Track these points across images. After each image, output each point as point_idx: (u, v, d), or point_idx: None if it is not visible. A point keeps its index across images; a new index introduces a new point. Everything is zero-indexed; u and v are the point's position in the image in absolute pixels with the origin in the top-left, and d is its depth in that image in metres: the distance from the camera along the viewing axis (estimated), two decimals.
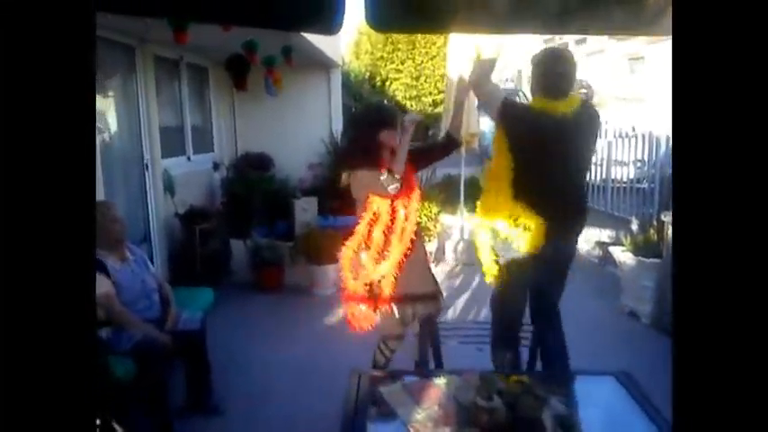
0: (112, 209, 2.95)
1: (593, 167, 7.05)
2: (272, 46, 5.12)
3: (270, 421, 3.07)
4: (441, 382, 1.97)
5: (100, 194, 3.73)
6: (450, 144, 2.86)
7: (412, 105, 14.82)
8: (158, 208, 5.02)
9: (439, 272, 5.51)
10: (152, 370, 2.74)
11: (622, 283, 4.70)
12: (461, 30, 3.72)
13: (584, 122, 2.62)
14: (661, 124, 6.14)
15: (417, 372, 2.58)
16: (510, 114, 2.59)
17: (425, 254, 2.98)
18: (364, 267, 2.66)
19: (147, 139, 4.85)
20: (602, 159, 6.96)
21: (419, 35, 14.13)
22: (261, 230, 5.65)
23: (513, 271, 2.70)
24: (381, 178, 2.47)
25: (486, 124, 8.46)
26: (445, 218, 6.32)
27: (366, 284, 2.68)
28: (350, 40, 16.33)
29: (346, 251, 2.68)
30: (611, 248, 5.08)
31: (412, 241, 2.68)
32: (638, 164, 6.52)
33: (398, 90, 15.14)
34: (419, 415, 1.74)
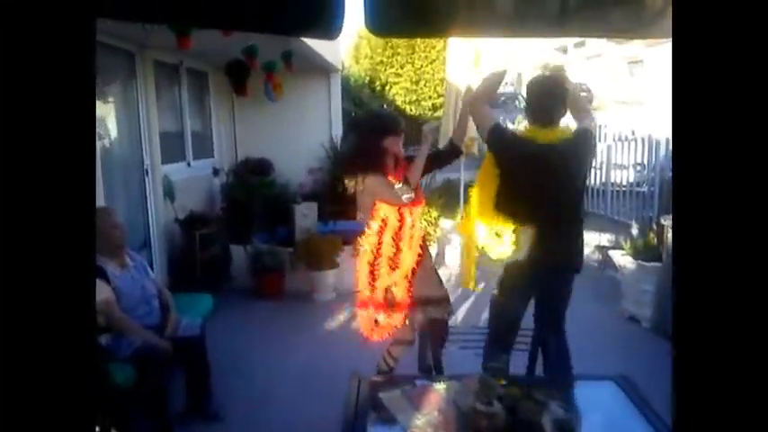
0: (112, 215, 2.95)
1: (593, 171, 7.06)
2: (271, 51, 5.13)
3: (270, 427, 3.06)
4: (440, 387, 1.97)
5: (100, 200, 3.73)
6: (454, 152, 2.91)
7: (411, 109, 14.81)
8: (158, 214, 5.02)
9: None
10: (152, 376, 2.73)
11: (622, 288, 4.70)
12: (461, 34, 3.73)
13: (573, 152, 2.60)
14: (660, 127, 6.15)
15: (420, 377, 2.58)
16: (497, 138, 2.63)
17: (432, 258, 3.00)
18: (378, 275, 2.66)
19: (147, 145, 4.86)
20: (601, 163, 6.97)
21: (418, 39, 14.14)
22: (261, 236, 5.65)
23: (508, 281, 2.72)
24: (396, 187, 2.49)
25: None
26: (445, 222, 6.32)
27: (382, 291, 2.69)
28: (349, 45, 16.34)
29: (362, 259, 2.68)
30: (611, 252, 5.07)
31: (421, 247, 2.71)
32: (638, 167, 6.52)
33: (398, 94, 15.13)
34: (419, 420, 1.73)
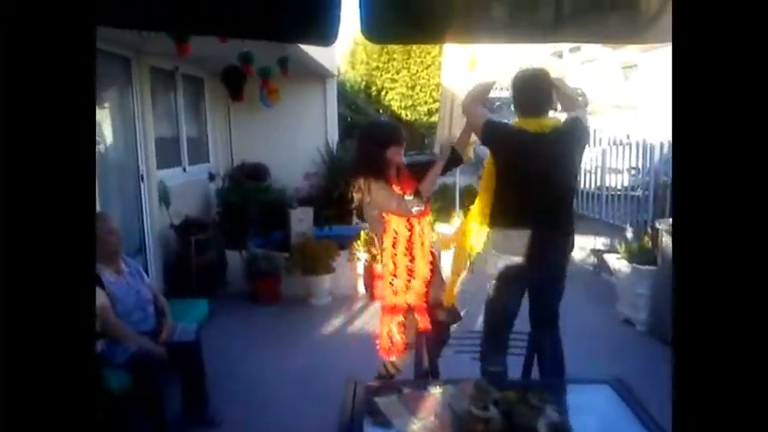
0: (108, 220, 2.95)
1: (587, 175, 7.09)
2: (267, 57, 5.14)
3: None
4: (436, 391, 1.97)
5: (95, 206, 3.73)
6: (455, 159, 2.96)
7: (407, 114, 14.85)
8: (153, 219, 5.01)
9: None
10: (147, 382, 2.73)
11: (617, 291, 4.71)
12: (456, 40, 3.74)
13: (565, 139, 2.66)
14: (655, 132, 6.18)
15: (416, 381, 2.59)
16: (491, 131, 2.69)
17: (440, 264, 3.03)
18: (399, 287, 2.69)
19: (142, 150, 4.86)
20: (596, 167, 6.99)
21: (414, 45, 14.19)
22: (257, 241, 5.64)
23: (503, 278, 2.75)
24: (407, 199, 2.54)
25: None
26: (441, 227, 6.33)
27: (404, 304, 2.72)
28: (345, 51, 16.39)
29: (385, 269, 2.70)
30: (606, 256, 5.09)
31: (431, 254, 2.74)
32: (633, 171, 6.54)
33: (394, 99, 15.17)
34: (415, 425, 1.73)
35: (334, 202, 6.53)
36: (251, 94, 6.03)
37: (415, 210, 2.57)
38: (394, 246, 2.65)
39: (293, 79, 6.15)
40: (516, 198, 2.68)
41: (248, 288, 5.30)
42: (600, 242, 6.07)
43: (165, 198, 5.06)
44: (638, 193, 6.16)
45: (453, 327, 2.86)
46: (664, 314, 4.08)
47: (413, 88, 15.23)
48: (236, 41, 4.24)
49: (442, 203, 6.48)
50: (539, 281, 2.76)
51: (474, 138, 3.00)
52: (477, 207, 2.85)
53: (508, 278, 2.72)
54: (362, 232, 5.44)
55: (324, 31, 1.59)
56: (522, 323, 2.80)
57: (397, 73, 15.35)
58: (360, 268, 5.43)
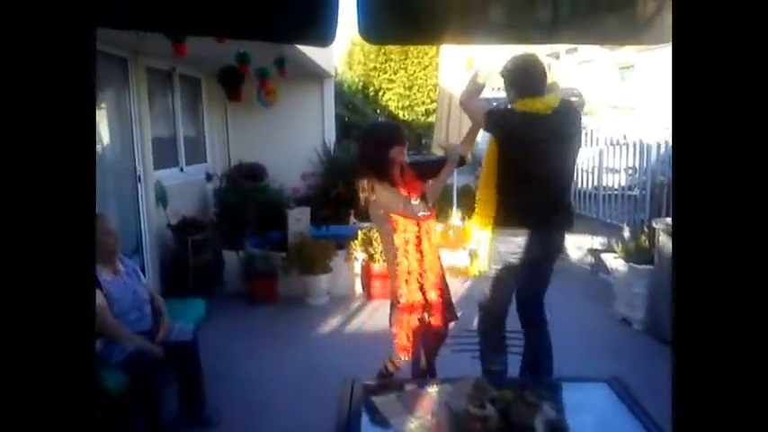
0: (106, 221, 2.95)
1: (585, 175, 7.12)
2: (265, 57, 5.14)
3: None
4: (434, 390, 1.98)
5: None
6: (460, 161, 2.97)
7: (405, 115, 14.87)
8: (150, 219, 5.01)
9: None
10: (144, 382, 2.73)
11: (614, 290, 4.73)
12: (453, 41, 3.75)
13: (566, 118, 2.72)
14: (652, 132, 6.20)
15: (413, 380, 2.59)
16: (495, 118, 2.70)
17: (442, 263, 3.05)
18: (416, 287, 2.70)
19: (139, 151, 4.85)
20: (593, 167, 7.01)
21: (411, 46, 14.20)
22: (254, 241, 5.64)
23: (500, 268, 2.78)
24: (413, 203, 2.57)
25: (479, 134, 8.49)
26: (438, 226, 6.33)
27: (420, 296, 2.73)
28: (343, 51, 16.41)
29: (399, 267, 2.70)
30: (603, 255, 5.10)
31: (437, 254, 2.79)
32: (630, 171, 6.57)
33: (391, 100, 15.19)
34: (412, 424, 1.74)
35: (331, 202, 6.53)
36: (248, 95, 6.02)
37: (420, 214, 2.61)
38: (406, 244, 2.67)
39: (290, 80, 6.15)
40: (524, 181, 2.68)
41: (245, 288, 5.30)
42: (597, 241, 6.09)
43: (162, 198, 5.05)
44: (635, 192, 6.18)
45: (450, 326, 2.86)
46: (661, 313, 4.09)
47: (410, 89, 15.25)
48: (234, 42, 4.24)
49: (440, 203, 6.48)
50: (537, 261, 2.78)
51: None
52: (482, 198, 2.86)
53: (511, 265, 2.75)
54: (360, 232, 5.45)
55: (321, 31, 1.59)
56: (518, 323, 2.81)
57: (395, 73, 15.37)
58: (357, 268, 5.43)
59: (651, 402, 1.86)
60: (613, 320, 4.62)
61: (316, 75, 7.13)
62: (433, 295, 2.71)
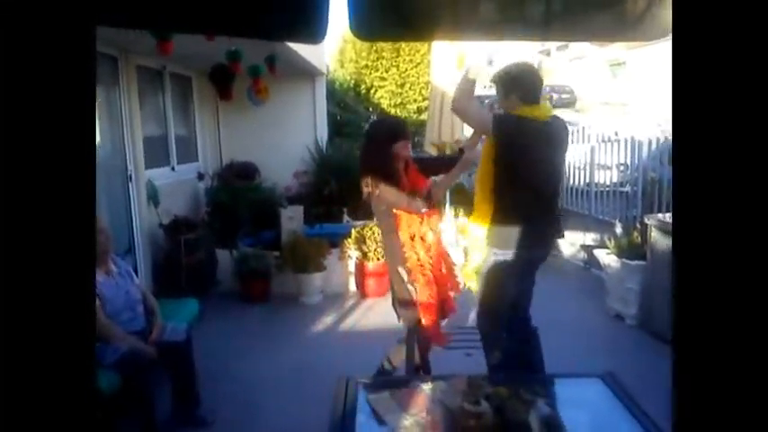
0: (97, 221, 2.93)
1: (576, 172, 7.14)
2: (256, 55, 5.12)
3: (258, 431, 3.05)
4: (428, 387, 1.98)
5: None
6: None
7: (397, 112, 14.85)
8: (142, 219, 4.98)
9: None
10: (138, 382, 2.72)
11: (607, 286, 4.75)
12: (445, 38, 3.76)
13: (560, 125, 2.83)
14: (643, 128, 6.22)
15: (407, 377, 2.59)
16: (503, 125, 2.70)
17: None
18: (430, 280, 2.71)
19: (130, 150, 4.82)
20: (585, 163, 7.03)
21: (403, 43, 14.18)
22: (247, 240, 5.63)
23: (496, 272, 2.78)
24: (417, 201, 2.62)
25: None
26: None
27: (435, 289, 2.75)
28: (334, 49, 16.37)
29: (414, 265, 2.69)
30: (596, 251, 5.13)
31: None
32: (621, 167, 6.59)
33: (383, 97, 15.17)
34: (407, 421, 1.74)
35: (324, 201, 6.52)
36: (239, 93, 6.00)
37: (423, 210, 2.63)
38: (412, 238, 2.67)
39: (282, 78, 6.13)
40: (524, 185, 2.70)
41: (239, 287, 5.29)
42: (590, 238, 6.11)
43: (153, 197, 5.03)
44: (627, 189, 6.20)
45: (443, 322, 2.86)
46: (653, 308, 4.11)
47: (402, 86, 15.24)
48: (224, 40, 4.22)
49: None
50: (526, 269, 2.81)
51: (461, 136, 3.04)
52: (480, 197, 2.85)
53: (510, 264, 2.76)
54: (353, 230, 5.44)
55: (312, 29, 1.58)
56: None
57: (387, 71, 15.35)
58: (351, 266, 5.43)
59: (645, 397, 1.87)
60: (606, 316, 4.65)
61: (307, 72, 7.11)
62: (453, 286, 2.82)
